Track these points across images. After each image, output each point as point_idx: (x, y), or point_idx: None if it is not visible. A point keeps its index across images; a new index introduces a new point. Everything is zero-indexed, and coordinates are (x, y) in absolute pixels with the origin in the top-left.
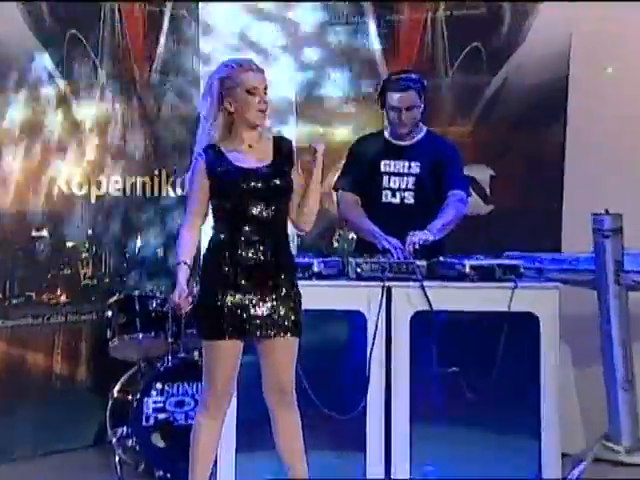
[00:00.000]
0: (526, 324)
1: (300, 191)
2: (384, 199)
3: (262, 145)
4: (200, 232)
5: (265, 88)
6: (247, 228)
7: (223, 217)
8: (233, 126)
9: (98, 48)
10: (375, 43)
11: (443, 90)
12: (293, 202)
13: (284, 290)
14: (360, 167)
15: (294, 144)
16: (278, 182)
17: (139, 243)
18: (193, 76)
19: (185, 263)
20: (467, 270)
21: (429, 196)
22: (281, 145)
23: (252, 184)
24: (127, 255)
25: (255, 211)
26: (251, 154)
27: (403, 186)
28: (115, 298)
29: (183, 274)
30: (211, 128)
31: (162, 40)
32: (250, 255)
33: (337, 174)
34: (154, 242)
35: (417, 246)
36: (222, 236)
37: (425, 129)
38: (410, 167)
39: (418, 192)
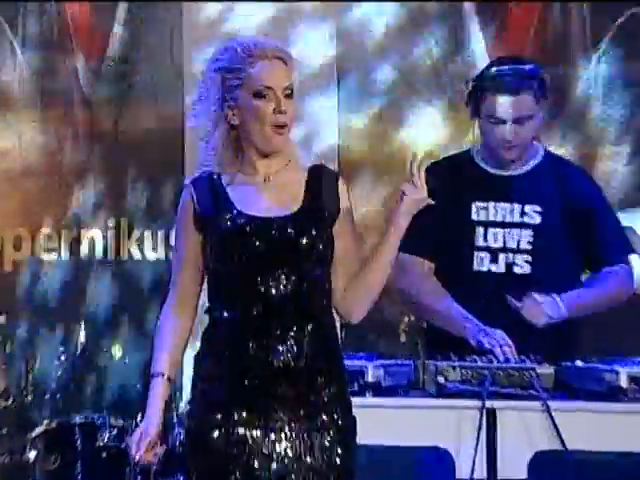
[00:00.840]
0: None
1: (348, 257)
2: (477, 266)
3: (287, 177)
4: (194, 319)
5: (287, 89)
6: (262, 313)
7: (223, 294)
8: (241, 146)
9: (18, 24)
10: (470, 17)
11: (579, 88)
12: (337, 273)
13: (326, 414)
14: (434, 213)
15: None
16: (308, 241)
17: (82, 337)
18: (173, 70)
19: (163, 376)
20: (623, 382)
21: (558, 262)
22: (319, 181)
23: (265, 243)
24: (63, 357)
25: (273, 286)
26: (268, 192)
27: (512, 244)
28: (42, 429)
29: (159, 397)
30: (209, 148)
31: (121, 16)
32: (268, 356)
33: None
34: (108, 335)
35: (540, 321)
36: (222, 326)
37: (542, 150)
38: (524, 213)
39: (539, 255)
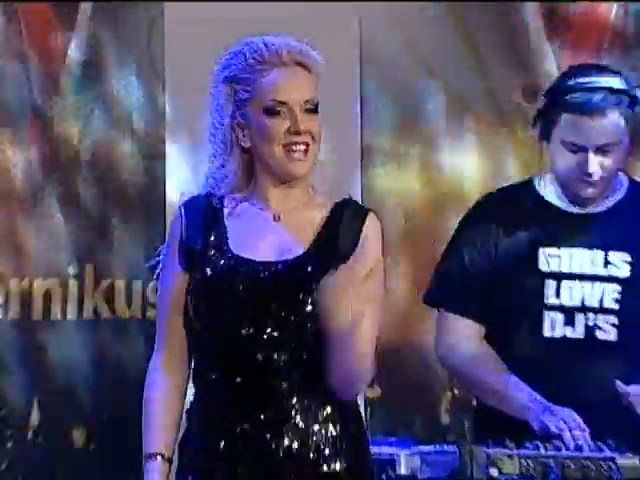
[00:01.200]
0: None
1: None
2: (548, 331)
3: (303, 217)
4: (187, 377)
5: (308, 103)
6: (258, 385)
7: (209, 356)
8: (254, 171)
9: None
10: (533, 21)
11: None
12: None
13: None
14: (488, 260)
15: None
16: (308, 295)
17: (35, 419)
18: (152, 77)
19: (160, 456)
20: None
21: None
22: (341, 219)
23: (256, 297)
24: (10, 444)
25: (271, 350)
26: (275, 233)
27: (592, 303)
28: None
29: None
30: (221, 173)
31: (87, 12)
32: (265, 440)
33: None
34: (68, 417)
35: None
36: (208, 398)
37: (627, 181)
38: (608, 262)
39: (627, 316)
